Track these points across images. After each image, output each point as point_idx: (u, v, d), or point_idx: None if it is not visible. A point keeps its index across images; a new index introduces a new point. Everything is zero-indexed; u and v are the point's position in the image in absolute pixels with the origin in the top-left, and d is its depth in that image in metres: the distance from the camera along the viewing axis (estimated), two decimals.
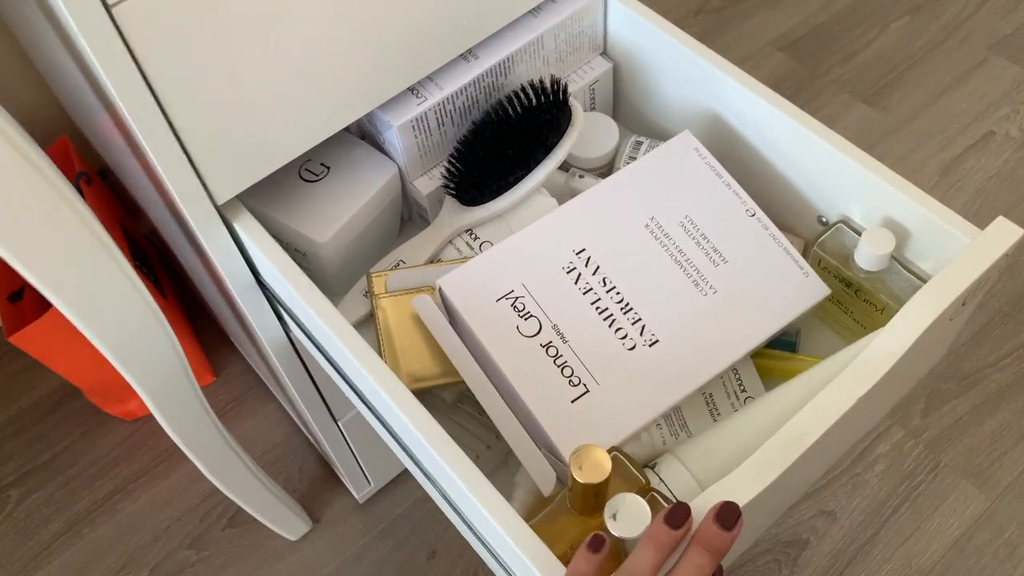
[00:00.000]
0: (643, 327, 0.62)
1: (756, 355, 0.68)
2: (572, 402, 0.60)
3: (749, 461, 0.50)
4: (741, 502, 0.48)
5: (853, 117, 1.46)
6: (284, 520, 1.07)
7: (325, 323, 0.61)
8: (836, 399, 0.52)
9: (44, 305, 1.03)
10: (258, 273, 0.71)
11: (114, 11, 0.50)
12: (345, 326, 0.60)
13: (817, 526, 1.08)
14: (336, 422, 0.95)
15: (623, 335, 0.62)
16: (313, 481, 1.16)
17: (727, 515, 0.44)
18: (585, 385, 0.60)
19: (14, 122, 0.57)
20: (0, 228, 0.57)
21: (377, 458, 1.07)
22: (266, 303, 0.75)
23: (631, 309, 0.63)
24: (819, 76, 1.52)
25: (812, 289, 0.65)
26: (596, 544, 0.46)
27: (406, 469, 1.14)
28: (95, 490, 1.17)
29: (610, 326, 0.62)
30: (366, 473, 1.08)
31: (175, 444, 1.20)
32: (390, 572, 1.09)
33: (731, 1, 1.64)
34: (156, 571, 1.10)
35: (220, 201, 0.64)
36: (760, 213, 0.68)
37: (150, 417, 1.23)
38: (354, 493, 1.12)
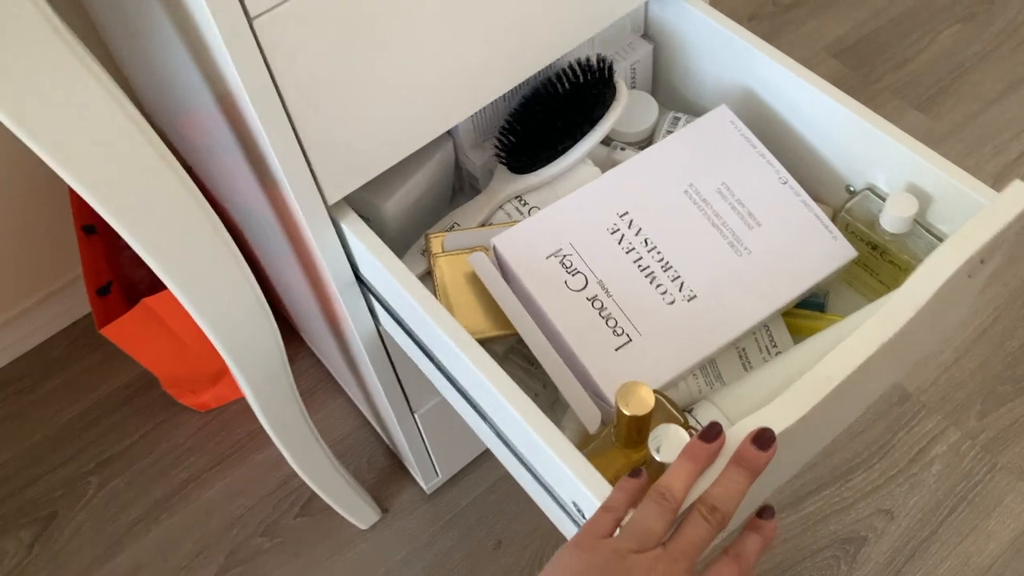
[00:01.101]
0: (682, 284, 0.67)
1: (786, 314, 0.72)
2: (616, 350, 0.65)
3: (779, 399, 0.54)
4: (775, 430, 0.51)
5: (906, 123, 1.47)
6: (356, 509, 1.11)
7: (421, 307, 0.65)
8: (860, 345, 0.56)
9: (130, 299, 1.08)
10: (357, 269, 0.75)
11: (255, 22, 0.54)
12: (439, 310, 0.64)
13: (875, 524, 1.10)
14: (413, 413, 0.98)
15: (663, 291, 0.67)
16: (381, 472, 1.20)
17: (763, 438, 0.49)
18: (628, 335, 0.65)
19: (142, 119, 0.60)
20: (130, 216, 0.61)
21: (447, 449, 1.11)
22: (362, 299, 0.78)
23: (671, 267, 0.68)
24: (872, 82, 1.53)
25: (840, 251, 0.69)
26: (636, 473, 0.50)
27: (473, 460, 1.18)
28: (171, 478, 1.21)
29: (651, 282, 0.67)
30: (435, 464, 1.11)
31: (246, 435, 1.25)
32: (457, 561, 1.12)
33: (784, 7, 1.66)
34: (231, 557, 1.15)
35: (331, 202, 0.67)
36: (792, 181, 0.72)
37: (222, 409, 1.27)
38: (422, 484, 1.15)
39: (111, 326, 1.04)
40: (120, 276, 1.16)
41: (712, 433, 0.50)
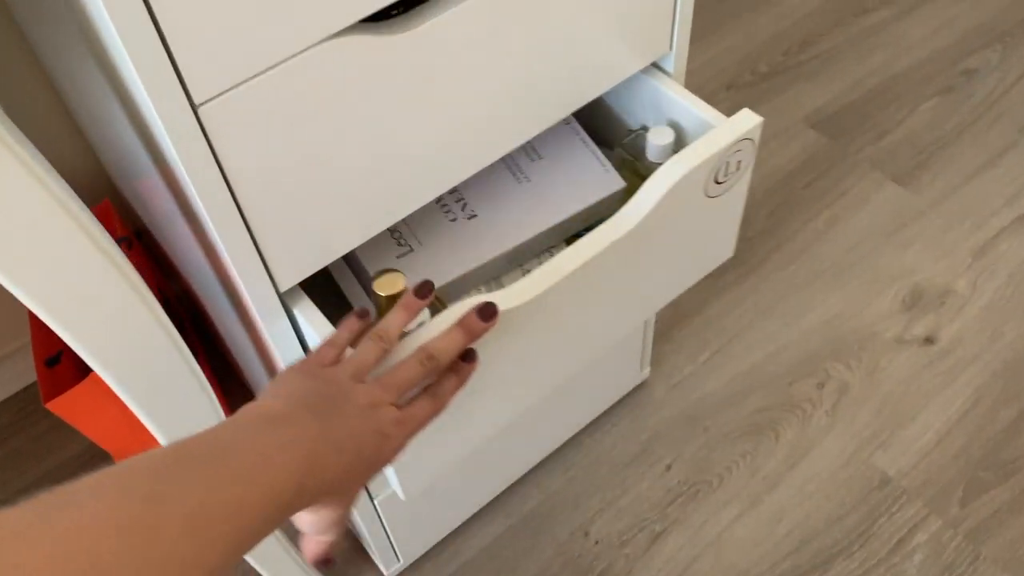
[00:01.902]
0: (464, 204, 0.79)
1: (569, 241, 0.81)
2: (397, 258, 0.75)
3: (514, 286, 0.64)
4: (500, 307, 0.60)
5: (885, 196, 1.46)
6: None
7: None
8: (590, 243, 0.66)
9: (81, 371, 1.03)
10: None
11: (200, 111, 0.50)
12: None
13: None
14: (372, 499, 0.94)
15: (447, 210, 0.78)
16: (342, 553, 1.14)
17: (486, 310, 0.58)
18: (410, 245, 0.76)
19: (65, 185, 0.56)
20: (48, 293, 0.56)
21: (410, 534, 1.05)
22: None
23: (456, 190, 0.79)
24: (851, 154, 1.53)
25: (610, 182, 0.80)
26: (363, 314, 0.59)
27: (436, 544, 1.13)
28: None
29: (437, 203, 0.78)
30: (396, 550, 1.06)
31: None
32: None
33: (762, 76, 1.66)
34: None
35: (283, 289, 0.64)
36: (575, 122, 0.83)
37: None
38: (383, 569, 1.10)
39: (59, 400, 0.98)
40: None
41: (424, 290, 0.59)
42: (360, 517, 0.96)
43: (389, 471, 0.70)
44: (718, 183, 0.73)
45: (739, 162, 0.73)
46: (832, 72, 1.66)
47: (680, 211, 0.71)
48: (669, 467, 1.19)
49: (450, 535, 1.14)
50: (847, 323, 1.31)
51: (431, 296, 0.59)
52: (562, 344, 0.73)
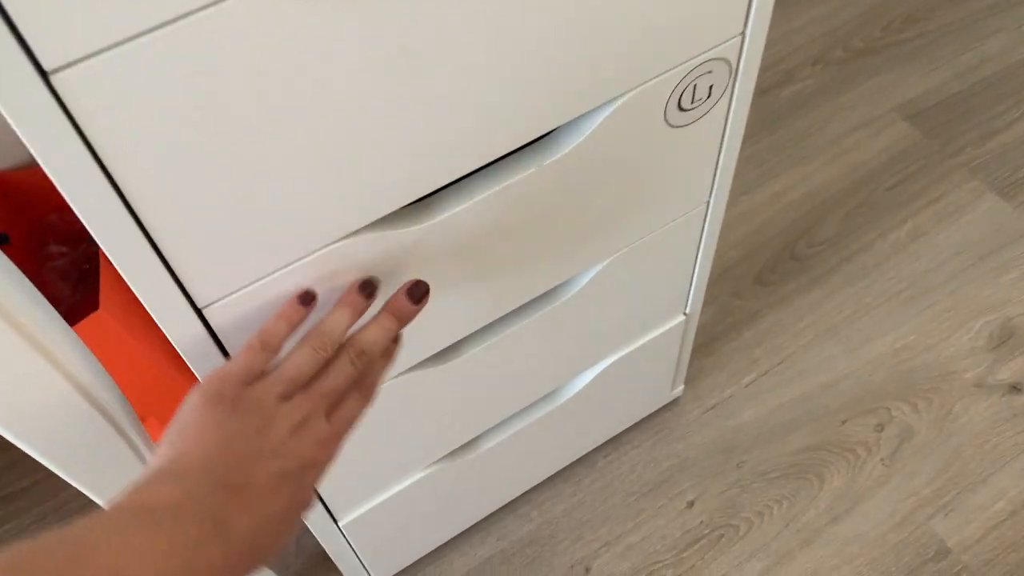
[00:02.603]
0: None
1: None
2: None
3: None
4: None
5: (983, 210, 1.26)
6: None
7: None
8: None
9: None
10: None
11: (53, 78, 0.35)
12: None
13: None
14: (336, 523, 0.80)
15: None
16: (310, 560, 1.02)
17: (416, 290, 0.53)
18: None
19: None
20: None
21: (381, 554, 0.92)
22: None
23: None
24: (948, 155, 1.32)
25: None
26: (305, 298, 0.51)
27: (414, 563, 1.00)
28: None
29: None
30: (368, 570, 0.93)
31: None
32: None
33: (856, 54, 1.45)
34: None
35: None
36: None
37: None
38: None
39: None
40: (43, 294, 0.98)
41: (369, 288, 0.52)
42: (323, 541, 0.83)
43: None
44: (683, 110, 0.62)
45: (710, 87, 0.62)
46: (937, 56, 1.44)
47: (631, 139, 0.60)
48: (691, 504, 1.04)
49: (434, 552, 1.02)
50: (919, 357, 1.13)
51: (375, 295, 0.53)
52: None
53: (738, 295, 1.20)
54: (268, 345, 0.47)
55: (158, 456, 0.42)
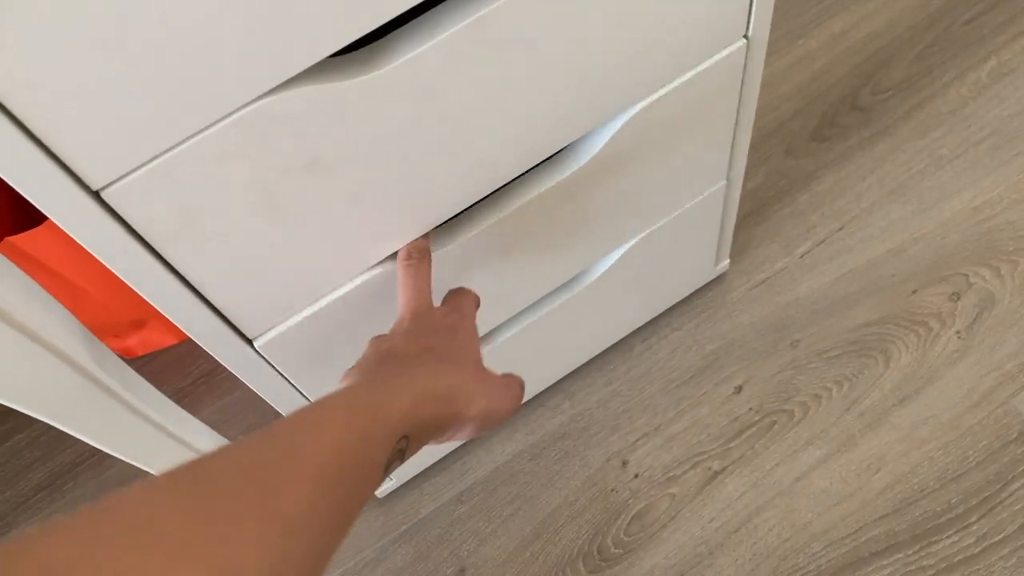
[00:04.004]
0: None
1: None
2: None
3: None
4: None
5: None
6: None
7: None
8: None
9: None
10: None
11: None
12: None
13: None
14: None
15: None
16: None
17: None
18: None
19: None
20: None
21: None
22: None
23: None
24: None
25: None
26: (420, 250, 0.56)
27: (437, 462, 0.93)
28: (79, 443, 1.00)
29: None
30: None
31: (174, 393, 1.02)
32: None
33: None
34: None
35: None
36: None
37: (151, 358, 1.04)
38: None
39: (14, 238, 0.80)
40: None
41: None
42: None
43: None
44: None
45: None
46: None
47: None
48: (739, 389, 0.94)
49: (459, 449, 0.94)
50: (1003, 214, 0.99)
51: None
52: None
53: (792, 154, 1.06)
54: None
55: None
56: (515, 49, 0.49)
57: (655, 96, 0.60)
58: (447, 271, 0.62)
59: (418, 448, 0.40)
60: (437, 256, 0.59)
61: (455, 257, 0.61)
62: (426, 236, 0.57)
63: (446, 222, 0.60)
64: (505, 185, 0.60)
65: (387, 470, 0.37)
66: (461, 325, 0.51)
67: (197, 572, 0.24)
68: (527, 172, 0.61)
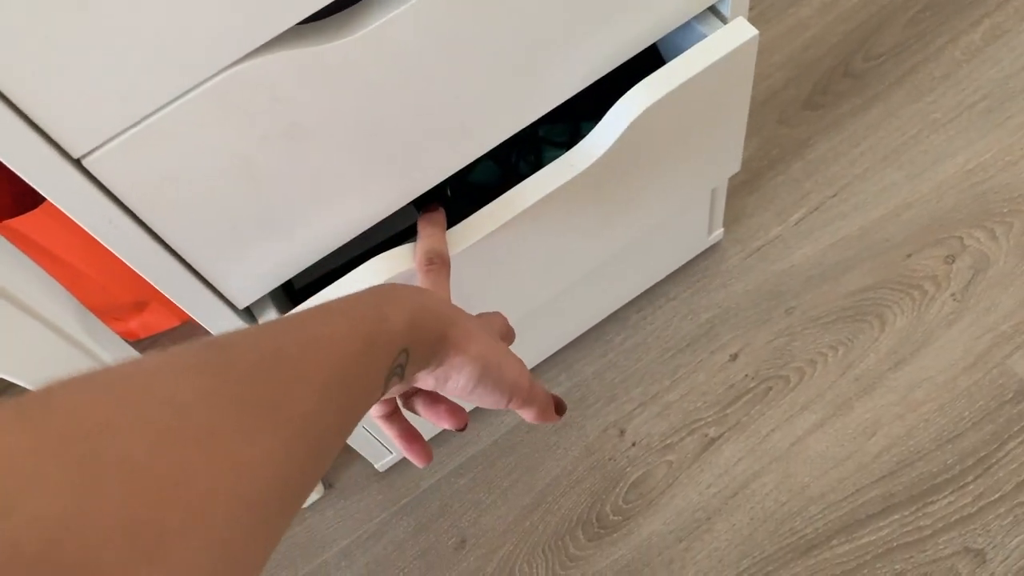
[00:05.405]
0: None
1: None
2: None
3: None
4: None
5: None
6: None
7: None
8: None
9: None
10: None
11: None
12: None
13: (959, 567, 0.82)
14: None
15: None
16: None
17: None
18: None
19: None
20: None
21: None
22: None
23: None
24: None
25: None
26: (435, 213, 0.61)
27: (439, 434, 0.94)
28: None
29: None
30: (382, 442, 0.88)
31: None
32: (410, 559, 0.90)
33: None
34: None
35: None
36: None
37: (152, 340, 1.05)
38: (372, 462, 0.92)
39: (10, 221, 0.81)
40: None
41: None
42: None
43: None
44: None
45: None
46: None
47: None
48: (735, 356, 0.94)
49: None
50: (997, 176, 0.99)
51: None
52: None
53: (785, 122, 1.06)
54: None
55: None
56: (490, 8, 0.49)
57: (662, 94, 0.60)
58: (467, 271, 0.62)
59: (415, 371, 0.39)
60: (455, 258, 0.59)
61: (473, 256, 0.62)
62: (445, 241, 0.58)
63: (461, 221, 0.60)
64: (516, 184, 0.61)
65: (387, 385, 0.36)
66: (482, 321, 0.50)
67: (223, 464, 0.24)
68: (537, 174, 0.61)
